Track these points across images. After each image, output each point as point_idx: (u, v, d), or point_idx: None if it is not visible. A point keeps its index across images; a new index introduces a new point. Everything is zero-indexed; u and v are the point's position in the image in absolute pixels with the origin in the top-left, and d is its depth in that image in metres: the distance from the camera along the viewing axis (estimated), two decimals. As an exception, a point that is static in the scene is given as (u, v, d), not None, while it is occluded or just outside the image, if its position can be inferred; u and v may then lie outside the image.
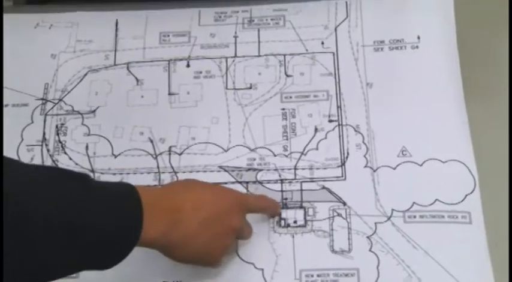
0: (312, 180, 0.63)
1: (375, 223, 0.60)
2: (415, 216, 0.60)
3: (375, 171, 0.63)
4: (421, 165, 0.62)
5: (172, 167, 0.64)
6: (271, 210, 0.62)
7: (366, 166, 0.63)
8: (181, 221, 0.51)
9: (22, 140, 0.65)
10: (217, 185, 0.59)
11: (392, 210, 0.61)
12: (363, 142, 0.64)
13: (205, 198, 0.54)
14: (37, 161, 0.65)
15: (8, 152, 0.64)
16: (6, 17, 0.72)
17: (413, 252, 0.59)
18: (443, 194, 0.60)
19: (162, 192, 0.53)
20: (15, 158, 0.64)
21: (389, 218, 0.60)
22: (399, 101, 0.65)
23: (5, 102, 0.67)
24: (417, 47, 0.67)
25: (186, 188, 0.54)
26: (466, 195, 0.60)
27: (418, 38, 0.67)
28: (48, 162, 0.65)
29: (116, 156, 0.65)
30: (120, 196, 0.47)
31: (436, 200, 0.60)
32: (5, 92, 0.68)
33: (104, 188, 0.47)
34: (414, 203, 0.61)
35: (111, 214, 0.45)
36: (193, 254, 0.53)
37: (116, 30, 0.71)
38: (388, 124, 0.64)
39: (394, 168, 0.62)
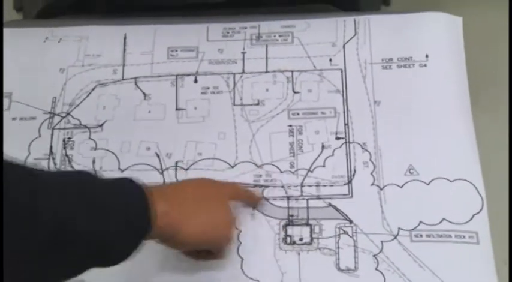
0: (318, 197, 0.63)
1: (381, 242, 0.60)
2: (421, 235, 0.60)
3: (381, 189, 0.62)
4: (428, 184, 0.62)
5: (178, 183, 0.64)
6: (246, 197, 0.62)
7: (372, 184, 0.63)
8: (179, 203, 0.52)
9: (29, 153, 0.65)
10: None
11: (399, 228, 0.60)
12: (370, 160, 0.64)
13: (199, 182, 0.58)
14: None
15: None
16: (16, 31, 0.72)
17: (420, 271, 0.58)
18: (451, 214, 0.60)
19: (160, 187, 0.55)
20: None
21: (395, 237, 0.60)
22: (407, 119, 0.65)
23: (13, 115, 0.67)
24: (425, 65, 0.67)
25: (177, 182, 0.59)
26: (474, 215, 0.60)
27: (427, 56, 0.67)
28: (55, 176, 0.65)
29: (122, 171, 0.65)
30: (126, 198, 0.49)
31: (443, 219, 0.60)
32: (14, 105, 0.68)
33: (110, 194, 0.48)
34: (421, 222, 0.60)
35: (121, 219, 0.47)
36: (200, 229, 0.53)
37: (124, 44, 0.72)
38: (395, 142, 0.64)
39: (401, 187, 0.62)
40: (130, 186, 0.50)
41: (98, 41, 0.72)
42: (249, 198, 0.63)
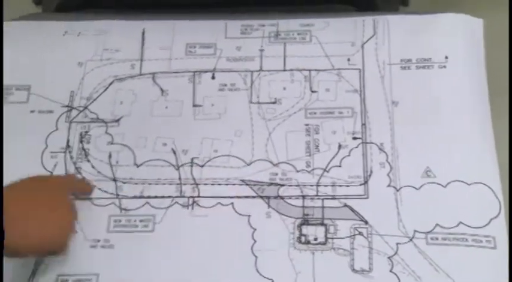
0: (334, 197, 0.63)
1: (397, 243, 0.60)
2: (437, 238, 0.59)
3: (398, 190, 0.62)
4: (445, 186, 0.61)
5: (194, 179, 0.64)
6: (82, 187, 0.64)
7: (389, 185, 0.62)
8: (9, 227, 0.52)
9: (46, 146, 0.66)
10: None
11: (415, 231, 0.60)
12: (387, 161, 0.63)
13: (17, 194, 0.56)
14: (60, 168, 0.65)
15: (32, 159, 0.65)
16: (35, 24, 0.73)
17: (435, 275, 0.58)
18: (468, 217, 0.59)
19: None
20: (39, 164, 0.65)
21: (411, 239, 0.60)
22: (425, 121, 0.65)
23: (31, 108, 0.67)
24: (445, 66, 0.67)
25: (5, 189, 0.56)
26: (491, 219, 0.59)
27: (446, 57, 0.67)
28: (71, 170, 0.65)
29: (138, 166, 0.65)
30: None
31: (460, 222, 0.59)
32: (32, 98, 0.68)
33: None
34: (437, 224, 0.60)
35: None
36: (42, 248, 0.56)
37: (143, 39, 0.72)
38: (412, 143, 0.64)
39: (418, 189, 0.62)
40: None
41: (117, 35, 0.72)
42: (84, 188, 0.64)
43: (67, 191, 0.61)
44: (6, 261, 0.55)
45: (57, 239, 0.58)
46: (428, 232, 0.60)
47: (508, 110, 0.68)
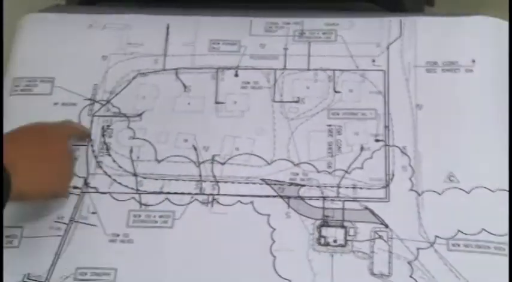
0: (354, 199, 0.62)
1: (417, 249, 0.59)
2: (459, 245, 0.59)
3: (420, 195, 0.61)
4: (468, 192, 0.61)
5: (214, 176, 0.64)
6: (80, 132, 0.66)
7: (411, 189, 0.62)
8: (14, 171, 0.53)
9: (68, 138, 0.66)
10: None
11: (436, 236, 0.59)
12: (409, 164, 0.63)
13: (20, 138, 0.59)
14: (82, 161, 0.65)
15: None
16: (61, 16, 0.73)
17: (456, 282, 0.57)
18: (491, 224, 0.59)
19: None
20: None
21: (432, 245, 0.59)
22: (449, 125, 0.64)
23: (55, 100, 0.68)
24: (471, 70, 0.66)
25: (5, 136, 0.58)
26: (515, 227, 0.59)
27: (473, 61, 0.66)
28: (93, 163, 0.65)
29: (159, 162, 0.65)
30: None
31: (483, 229, 0.59)
32: (56, 90, 0.68)
33: None
34: (459, 230, 0.59)
35: None
36: (42, 191, 0.58)
37: (167, 34, 0.71)
38: (436, 148, 0.63)
39: (440, 194, 0.61)
40: None
41: (141, 30, 0.71)
42: (83, 133, 0.66)
43: (66, 137, 0.63)
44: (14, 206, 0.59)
45: (59, 185, 0.61)
46: (450, 238, 0.59)
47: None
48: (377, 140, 0.64)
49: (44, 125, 0.62)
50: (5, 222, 0.62)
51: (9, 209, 0.62)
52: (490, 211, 0.59)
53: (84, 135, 0.66)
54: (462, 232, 0.59)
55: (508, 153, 0.62)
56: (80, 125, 0.67)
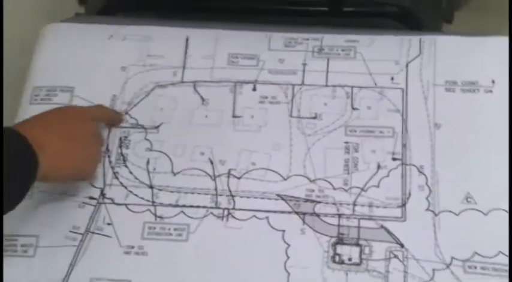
0: (370, 218, 0.62)
1: (433, 269, 0.59)
2: (476, 267, 0.58)
3: (436, 215, 0.61)
4: (486, 214, 0.60)
5: (230, 191, 0.64)
6: (110, 116, 0.67)
7: (427, 209, 0.61)
8: (43, 146, 0.54)
9: (98, 122, 0.66)
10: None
11: (452, 258, 0.59)
12: (426, 184, 0.62)
13: (49, 117, 0.60)
14: (98, 172, 0.65)
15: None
16: (82, 26, 0.73)
17: (472, 305, 0.57)
18: (508, 247, 0.58)
19: (19, 128, 0.55)
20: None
21: (448, 266, 0.59)
22: (467, 145, 0.63)
23: (74, 110, 0.68)
24: (491, 91, 0.65)
25: (32, 118, 0.59)
26: (533, 251, 0.58)
27: (493, 82, 0.66)
28: (110, 174, 0.65)
29: (175, 174, 0.65)
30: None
31: (500, 252, 0.58)
32: (75, 100, 0.68)
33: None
34: (476, 253, 0.59)
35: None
36: (69, 169, 0.59)
37: (186, 47, 0.72)
38: (454, 168, 0.63)
39: (457, 215, 0.61)
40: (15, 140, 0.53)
41: (161, 42, 0.72)
42: (115, 119, 0.67)
43: (95, 120, 0.64)
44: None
45: (86, 170, 0.62)
46: (466, 260, 0.59)
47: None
48: (394, 159, 0.64)
49: (74, 107, 0.64)
50: (21, 231, 0.62)
51: (25, 217, 0.62)
52: (508, 234, 0.59)
53: (116, 120, 0.67)
54: (479, 254, 0.58)
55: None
56: (111, 110, 0.68)
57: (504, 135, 0.63)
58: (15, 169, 0.51)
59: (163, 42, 0.72)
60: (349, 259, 0.60)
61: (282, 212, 0.63)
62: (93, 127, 0.63)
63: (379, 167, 0.64)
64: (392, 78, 0.68)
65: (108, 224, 0.63)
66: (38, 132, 0.55)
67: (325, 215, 0.62)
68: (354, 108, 0.67)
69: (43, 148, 0.54)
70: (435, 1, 0.94)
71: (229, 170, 0.65)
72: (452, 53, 0.68)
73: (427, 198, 0.62)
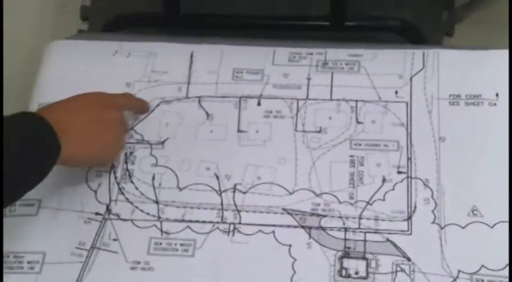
0: (376, 231, 0.62)
1: (440, 283, 0.59)
2: (483, 280, 0.58)
3: (442, 228, 0.61)
4: (492, 227, 0.60)
5: (235, 205, 0.64)
6: (136, 105, 0.68)
7: (433, 222, 0.61)
8: (67, 130, 0.56)
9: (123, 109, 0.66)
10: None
11: (459, 271, 0.59)
12: (432, 197, 0.63)
13: (75, 102, 0.61)
14: (104, 188, 0.65)
15: (77, 177, 0.65)
16: (86, 43, 0.74)
17: (479, 318, 0.57)
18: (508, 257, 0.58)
19: (43, 113, 0.56)
20: (84, 182, 0.65)
21: (455, 279, 0.58)
22: (472, 158, 0.64)
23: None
24: (495, 104, 0.66)
25: (58, 103, 0.61)
26: (540, 264, 0.58)
27: (497, 95, 0.66)
28: (115, 190, 0.65)
29: (181, 189, 0.65)
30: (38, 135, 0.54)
31: (507, 265, 0.58)
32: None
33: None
34: (483, 266, 0.59)
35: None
36: (91, 154, 0.60)
37: (191, 62, 0.72)
38: (459, 181, 0.63)
39: (463, 228, 0.61)
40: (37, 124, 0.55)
41: (166, 57, 0.72)
42: (140, 107, 0.69)
43: (120, 107, 0.65)
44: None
45: (106, 156, 0.64)
46: (473, 273, 0.58)
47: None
48: (399, 172, 0.64)
49: (100, 94, 0.64)
50: (27, 248, 0.62)
51: (31, 234, 0.62)
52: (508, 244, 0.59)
53: (142, 109, 0.69)
54: (486, 267, 0.58)
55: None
56: (137, 98, 0.69)
57: (507, 146, 0.63)
58: (35, 151, 0.53)
59: (167, 58, 0.72)
60: (356, 273, 0.60)
61: (288, 226, 0.63)
62: (117, 114, 0.64)
63: (384, 180, 0.64)
64: (396, 92, 0.68)
65: (114, 239, 0.63)
66: (61, 116, 0.57)
67: (331, 228, 0.62)
68: (358, 122, 0.67)
69: (65, 132, 0.55)
70: (436, 15, 0.95)
71: (235, 185, 0.65)
72: (456, 67, 0.69)
73: (432, 212, 0.62)
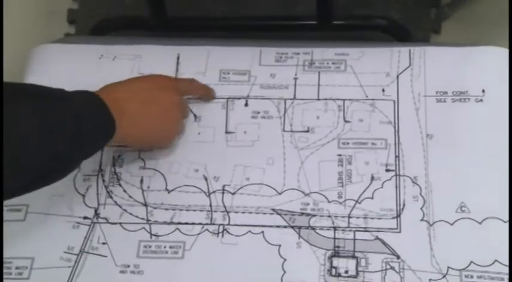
0: (365, 229, 0.62)
1: (430, 280, 0.58)
2: (472, 276, 0.58)
3: (431, 225, 0.61)
4: (480, 223, 0.60)
5: (224, 206, 0.64)
6: (201, 91, 0.69)
7: (422, 219, 0.61)
8: (124, 109, 0.58)
9: (79, 169, 0.66)
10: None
11: (448, 268, 0.59)
12: (420, 194, 0.63)
13: (136, 82, 0.63)
14: (92, 192, 0.65)
15: (65, 181, 0.63)
16: (72, 47, 0.73)
17: (470, 314, 0.57)
18: (504, 255, 0.58)
19: (101, 92, 0.59)
20: (72, 186, 0.65)
21: (444, 276, 0.58)
22: (460, 155, 0.64)
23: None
24: (481, 100, 0.66)
25: (117, 83, 0.62)
26: (528, 259, 0.58)
27: (483, 91, 0.66)
28: (103, 193, 0.65)
29: (169, 192, 0.65)
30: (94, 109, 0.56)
31: (496, 261, 0.58)
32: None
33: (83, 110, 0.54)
34: (472, 262, 0.59)
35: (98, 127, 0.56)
36: (147, 133, 0.62)
37: (177, 64, 0.72)
38: (447, 178, 0.63)
39: (452, 224, 0.61)
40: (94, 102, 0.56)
41: (152, 60, 0.72)
42: (204, 93, 0.69)
43: (183, 93, 0.66)
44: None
45: (163, 138, 0.65)
46: (463, 269, 0.58)
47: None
48: (388, 170, 0.64)
49: (163, 77, 0.66)
50: (15, 254, 0.62)
51: (19, 240, 0.62)
52: (503, 242, 0.59)
53: (206, 95, 0.69)
54: (475, 263, 0.58)
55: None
56: (202, 84, 0.69)
57: (496, 143, 0.63)
58: (89, 126, 0.54)
59: (154, 60, 0.72)
60: (346, 272, 0.60)
61: (278, 227, 0.62)
62: (176, 98, 0.64)
63: (372, 178, 0.64)
64: (383, 90, 0.68)
65: (103, 243, 0.62)
66: (120, 96, 0.58)
67: (321, 228, 0.62)
68: (346, 121, 0.67)
69: (123, 111, 0.57)
70: (423, 13, 0.95)
71: (224, 186, 0.65)
72: (442, 64, 0.69)
73: (421, 209, 0.62)
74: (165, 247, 0.62)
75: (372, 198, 0.63)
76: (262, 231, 0.62)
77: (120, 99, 0.58)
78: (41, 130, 0.50)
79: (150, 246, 0.62)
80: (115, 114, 0.57)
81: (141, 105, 0.60)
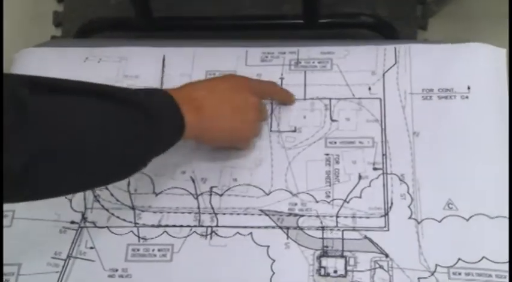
0: (354, 229, 0.62)
1: (418, 278, 0.58)
2: (460, 273, 0.58)
3: (419, 223, 0.61)
4: (467, 220, 0.60)
5: (212, 208, 0.64)
6: (281, 95, 0.68)
7: (410, 217, 0.61)
8: (201, 107, 0.58)
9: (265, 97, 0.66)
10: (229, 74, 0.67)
11: (437, 265, 0.59)
12: (408, 192, 0.63)
13: (217, 82, 0.63)
14: (79, 196, 0.65)
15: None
16: (57, 50, 0.73)
17: (458, 311, 0.57)
18: (491, 252, 0.58)
19: (180, 90, 0.60)
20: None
21: (433, 274, 0.59)
22: (447, 152, 0.64)
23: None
24: (467, 97, 0.66)
25: (198, 81, 0.63)
26: (515, 255, 0.58)
27: (469, 88, 0.66)
28: (90, 197, 0.65)
29: (157, 195, 0.65)
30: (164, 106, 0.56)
31: (483, 257, 0.58)
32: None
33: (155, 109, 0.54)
34: (460, 259, 0.59)
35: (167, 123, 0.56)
36: (224, 132, 0.61)
37: (163, 66, 0.72)
38: (434, 175, 0.63)
39: (439, 221, 0.61)
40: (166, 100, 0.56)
41: (137, 61, 0.72)
42: (284, 97, 0.69)
43: (262, 95, 0.66)
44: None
45: (241, 139, 0.64)
46: (451, 266, 0.59)
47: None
48: (375, 168, 0.64)
49: (244, 78, 0.65)
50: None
51: (5, 246, 0.62)
52: (490, 238, 0.59)
53: (284, 100, 0.69)
54: (463, 260, 0.59)
55: (507, 180, 0.61)
56: (282, 88, 0.69)
57: (482, 140, 0.64)
58: (160, 124, 0.54)
59: (139, 62, 0.72)
60: (335, 271, 0.60)
61: (266, 227, 0.62)
62: (253, 99, 0.63)
63: (360, 177, 0.64)
64: (369, 89, 0.68)
65: (91, 247, 0.62)
66: (199, 94, 0.59)
67: (309, 228, 0.62)
68: (333, 120, 0.67)
69: (200, 108, 0.58)
70: (410, 10, 0.95)
71: (211, 188, 0.65)
72: (427, 61, 0.69)
73: (409, 207, 0.62)
74: (153, 250, 0.62)
75: (360, 197, 0.63)
76: (251, 233, 0.62)
77: (198, 96, 0.59)
78: (118, 133, 0.51)
79: (138, 250, 0.62)
80: (192, 111, 0.57)
81: (218, 103, 0.60)
